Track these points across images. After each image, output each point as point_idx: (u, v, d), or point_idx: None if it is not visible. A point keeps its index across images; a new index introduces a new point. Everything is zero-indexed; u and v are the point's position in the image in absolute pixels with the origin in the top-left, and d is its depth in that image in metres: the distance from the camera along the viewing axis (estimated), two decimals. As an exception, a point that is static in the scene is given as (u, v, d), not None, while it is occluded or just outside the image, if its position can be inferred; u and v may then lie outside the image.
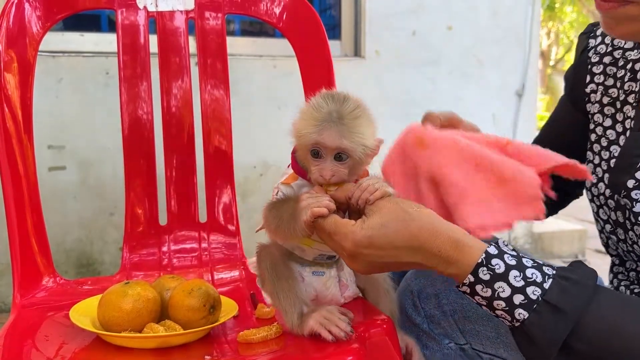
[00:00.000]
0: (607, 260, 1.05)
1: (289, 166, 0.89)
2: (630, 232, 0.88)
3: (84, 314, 0.93)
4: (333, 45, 2.49)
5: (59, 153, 2.22)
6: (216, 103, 1.30)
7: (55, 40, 2.23)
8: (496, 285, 0.70)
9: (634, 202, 0.84)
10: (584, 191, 1.01)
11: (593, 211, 0.99)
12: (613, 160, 0.92)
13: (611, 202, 0.92)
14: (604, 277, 1.07)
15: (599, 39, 1.00)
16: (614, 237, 0.95)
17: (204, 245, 1.27)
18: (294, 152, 0.86)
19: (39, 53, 1.15)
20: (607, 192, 0.92)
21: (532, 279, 0.70)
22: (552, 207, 1.13)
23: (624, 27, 0.80)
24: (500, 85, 2.84)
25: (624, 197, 0.86)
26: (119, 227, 2.21)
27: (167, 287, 0.96)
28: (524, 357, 0.73)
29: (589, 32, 1.03)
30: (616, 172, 0.89)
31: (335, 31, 2.69)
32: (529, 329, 0.69)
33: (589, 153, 0.99)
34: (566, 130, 1.06)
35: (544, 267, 0.71)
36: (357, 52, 2.66)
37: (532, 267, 0.71)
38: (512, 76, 2.86)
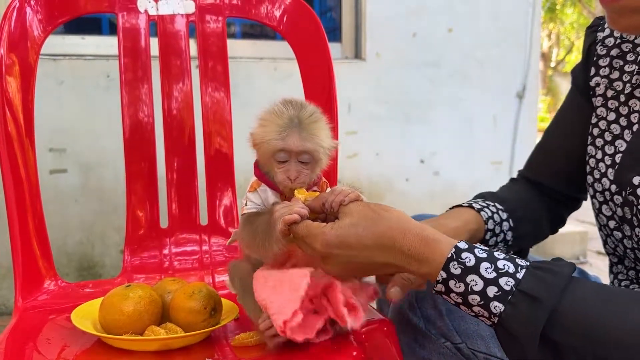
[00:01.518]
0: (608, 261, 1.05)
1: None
2: (638, 229, 0.87)
3: (86, 316, 0.93)
4: (333, 48, 2.50)
5: (60, 156, 2.22)
6: (217, 105, 1.30)
7: (56, 43, 2.24)
8: (468, 278, 0.70)
9: None
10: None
11: (594, 207, 0.97)
12: (618, 156, 0.91)
13: (618, 198, 0.90)
14: (605, 278, 1.07)
15: (607, 31, 0.99)
16: (618, 233, 0.94)
17: (205, 248, 1.28)
18: (256, 163, 0.90)
19: (39, 56, 1.15)
20: (613, 187, 0.91)
21: (505, 270, 0.69)
22: (559, 221, 1.13)
23: (628, 20, 0.79)
24: (501, 87, 2.84)
25: (629, 195, 0.85)
26: (120, 230, 2.21)
27: (168, 289, 0.96)
28: (508, 356, 0.71)
29: (596, 26, 1.02)
30: (622, 169, 0.88)
31: (335, 33, 2.69)
32: (506, 322, 0.68)
33: (590, 147, 0.98)
34: (575, 124, 1.04)
35: (517, 260, 0.71)
36: (357, 54, 2.66)
37: (504, 259, 0.70)
38: (513, 78, 2.87)
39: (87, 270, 2.30)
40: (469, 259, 0.70)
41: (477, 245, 0.73)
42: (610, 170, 0.92)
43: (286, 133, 0.83)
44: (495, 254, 0.71)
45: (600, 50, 0.99)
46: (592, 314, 0.66)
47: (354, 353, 0.85)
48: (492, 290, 0.69)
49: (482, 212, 1.01)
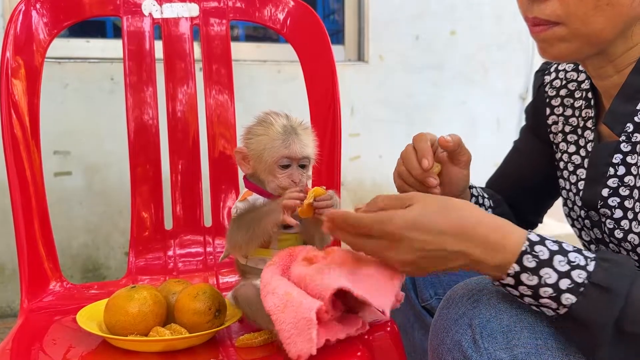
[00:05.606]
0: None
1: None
2: (611, 245, 0.89)
3: (91, 317, 0.94)
4: (337, 50, 2.50)
5: (65, 158, 2.23)
6: (221, 108, 1.31)
7: (60, 46, 2.25)
8: (542, 271, 0.70)
9: (613, 209, 0.86)
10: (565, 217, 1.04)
11: (576, 235, 1.01)
12: (581, 183, 0.95)
13: (587, 222, 0.94)
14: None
15: (553, 75, 1.06)
16: None
17: (209, 249, 1.28)
18: (245, 177, 0.96)
19: (45, 59, 1.16)
20: (582, 213, 0.94)
21: (576, 263, 0.70)
22: None
23: (556, 48, 0.84)
24: (504, 90, 2.84)
25: (601, 207, 0.87)
26: (125, 232, 2.21)
27: (173, 291, 0.97)
28: (575, 345, 0.71)
29: (543, 70, 1.09)
30: (589, 186, 0.91)
31: (338, 36, 2.70)
32: (577, 313, 0.69)
33: (560, 180, 1.02)
34: (530, 158, 1.13)
35: (583, 251, 0.72)
36: (360, 57, 2.67)
37: (574, 251, 0.71)
38: (516, 80, 2.86)
39: (91, 272, 2.31)
40: (543, 252, 0.71)
41: (546, 236, 0.73)
42: (577, 197, 0.96)
43: (289, 141, 0.89)
44: (564, 245, 0.72)
45: (550, 92, 1.05)
46: None
47: (359, 353, 0.86)
48: (565, 283, 0.69)
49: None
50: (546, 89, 1.07)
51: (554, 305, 0.70)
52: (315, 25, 1.29)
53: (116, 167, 2.24)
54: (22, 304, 1.07)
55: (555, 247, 0.71)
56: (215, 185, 1.31)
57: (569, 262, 0.70)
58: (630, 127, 0.84)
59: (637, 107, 0.83)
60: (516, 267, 0.71)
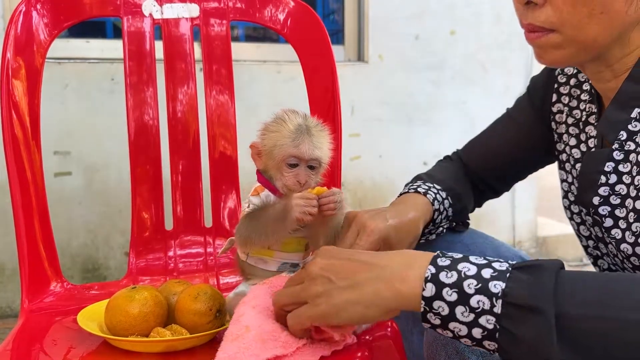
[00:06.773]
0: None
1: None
2: (610, 246, 0.89)
3: (92, 318, 0.94)
4: (336, 50, 2.50)
5: (65, 159, 2.23)
6: (221, 108, 1.31)
7: (60, 46, 2.25)
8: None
9: (603, 218, 0.86)
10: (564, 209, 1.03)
11: (574, 229, 1.01)
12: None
13: (589, 219, 0.93)
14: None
15: None
16: (597, 252, 0.97)
17: (210, 250, 1.28)
18: (258, 172, 0.95)
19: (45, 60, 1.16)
20: (584, 209, 0.94)
21: (480, 308, 0.64)
22: (475, 200, 1.19)
23: (551, 55, 0.84)
24: (504, 89, 2.84)
25: (593, 215, 0.87)
26: (124, 232, 2.22)
27: (174, 291, 0.97)
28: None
29: None
30: (581, 191, 0.91)
31: (338, 36, 2.70)
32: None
33: (562, 172, 1.02)
34: (524, 130, 1.11)
35: (490, 286, 0.64)
36: (360, 57, 2.67)
37: (476, 293, 0.64)
38: (516, 80, 2.87)
39: (91, 273, 2.31)
40: (442, 308, 0.66)
41: (445, 279, 0.66)
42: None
43: (299, 140, 0.88)
44: (465, 286, 0.65)
45: (561, 78, 1.04)
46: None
47: (359, 354, 0.86)
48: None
49: (427, 195, 1.05)
50: (556, 73, 1.05)
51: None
52: (315, 25, 1.29)
53: (116, 167, 2.24)
54: (23, 305, 1.07)
55: (453, 297, 0.64)
56: (216, 186, 1.31)
57: (471, 310, 0.64)
58: (623, 135, 0.83)
59: (631, 115, 0.82)
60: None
